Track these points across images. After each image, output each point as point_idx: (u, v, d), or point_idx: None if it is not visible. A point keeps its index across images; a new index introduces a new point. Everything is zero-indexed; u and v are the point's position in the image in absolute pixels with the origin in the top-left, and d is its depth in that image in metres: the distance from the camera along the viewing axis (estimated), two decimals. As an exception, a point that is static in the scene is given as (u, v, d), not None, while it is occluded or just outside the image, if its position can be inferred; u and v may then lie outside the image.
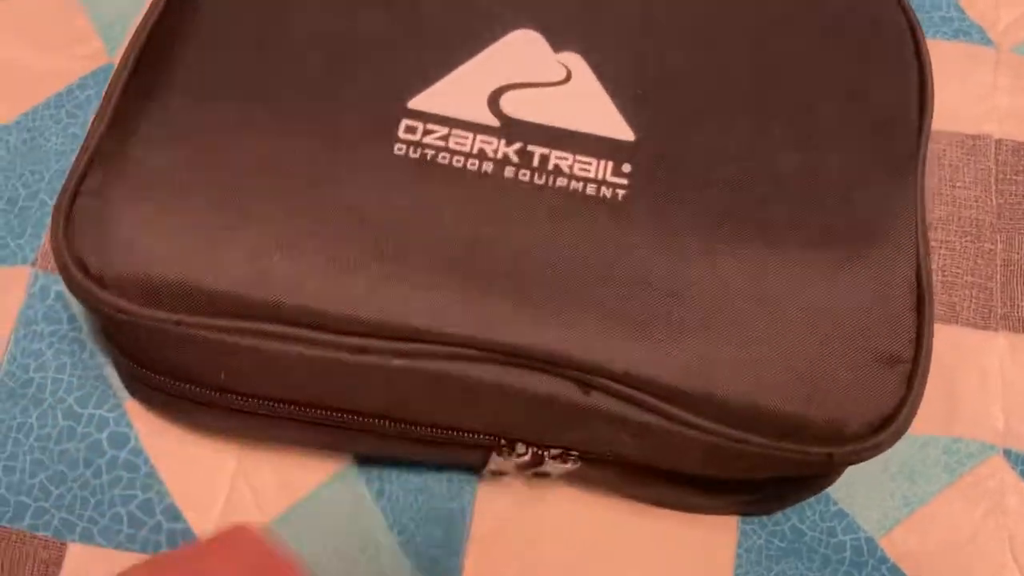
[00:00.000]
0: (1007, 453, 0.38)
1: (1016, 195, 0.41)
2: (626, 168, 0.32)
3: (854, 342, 0.30)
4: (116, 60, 0.43)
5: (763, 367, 0.30)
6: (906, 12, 0.36)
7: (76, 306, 0.39)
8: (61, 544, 0.36)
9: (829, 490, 0.37)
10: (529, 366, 0.30)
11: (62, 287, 0.39)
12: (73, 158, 0.41)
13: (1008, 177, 0.42)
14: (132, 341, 0.33)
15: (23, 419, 0.37)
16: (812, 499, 0.37)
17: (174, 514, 0.36)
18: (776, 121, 0.34)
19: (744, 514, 0.37)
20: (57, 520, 0.36)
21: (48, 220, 0.40)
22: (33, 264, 0.40)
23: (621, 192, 0.32)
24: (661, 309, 0.30)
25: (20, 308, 0.39)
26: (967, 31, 0.45)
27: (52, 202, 0.40)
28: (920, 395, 0.31)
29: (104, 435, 0.37)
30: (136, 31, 0.34)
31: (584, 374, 0.30)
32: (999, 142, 0.42)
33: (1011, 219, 0.41)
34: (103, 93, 0.33)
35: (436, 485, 0.37)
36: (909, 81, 0.35)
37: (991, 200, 0.41)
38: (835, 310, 0.31)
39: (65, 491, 0.36)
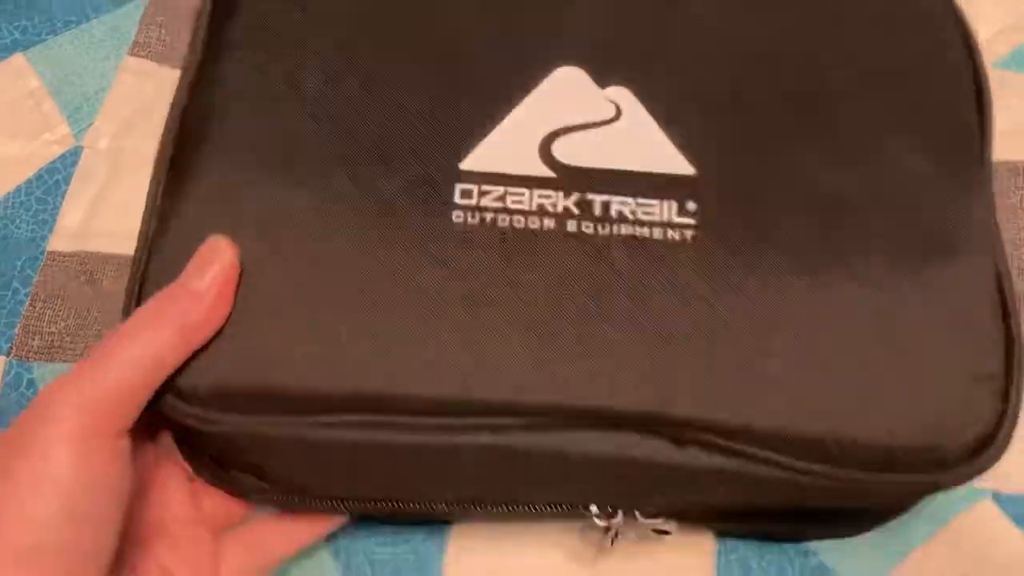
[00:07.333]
0: None
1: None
2: (691, 206, 0.32)
3: (942, 362, 0.30)
4: (84, 143, 0.44)
5: (854, 402, 0.29)
6: (958, 18, 0.36)
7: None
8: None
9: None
10: (618, 427, 0.29)
11: (34, 375, 0.39)
12: (45, 244, 0.41)
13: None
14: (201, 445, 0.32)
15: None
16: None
17: None
18: (833, 138, 0.33)
19: (817, 538, 0.37)
20: None
21: (22, 308, 0.40)
22: (7, 354, 0.39)
23: (689, 233, 0.31)
24: (748, 354, 0.30)
25: (-5, 399, 0.39)
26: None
27: (25, 290, 0.40)
28: (1018, 409, 0.30)
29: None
30: (163, 136, 0.33)
31: (678, 430, 0.29)
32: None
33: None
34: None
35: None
36: (965, 89, 0.34)
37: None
38: (919, 331, 0.30)
39: None
